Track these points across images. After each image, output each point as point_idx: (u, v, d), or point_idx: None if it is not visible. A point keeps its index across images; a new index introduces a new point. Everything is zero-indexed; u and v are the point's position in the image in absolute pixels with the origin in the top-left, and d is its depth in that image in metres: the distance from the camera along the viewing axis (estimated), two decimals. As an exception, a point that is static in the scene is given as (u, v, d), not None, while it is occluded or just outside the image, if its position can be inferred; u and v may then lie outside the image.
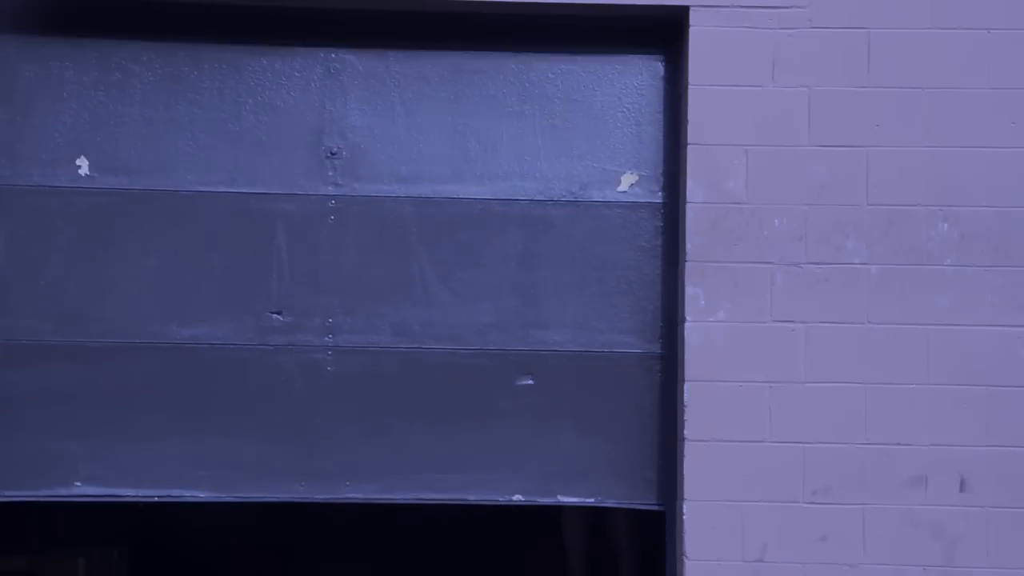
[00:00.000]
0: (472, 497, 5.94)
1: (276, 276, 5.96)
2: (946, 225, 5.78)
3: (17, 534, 7.85)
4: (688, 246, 5.77)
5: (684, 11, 5.84)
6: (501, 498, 5.94)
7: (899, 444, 5.72)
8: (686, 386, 5.73)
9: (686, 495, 5.69)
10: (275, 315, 5.91)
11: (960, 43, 5.82)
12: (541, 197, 6.00)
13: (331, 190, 5.98)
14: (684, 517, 5.70)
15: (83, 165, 5.94)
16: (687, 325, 5.74)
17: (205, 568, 9.01)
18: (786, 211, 5.78)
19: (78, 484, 5.88)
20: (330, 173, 5.99)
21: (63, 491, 5.90)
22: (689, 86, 5.81)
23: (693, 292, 5.76)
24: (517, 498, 5.95)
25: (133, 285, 5.94)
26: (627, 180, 6.00)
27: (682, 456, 5.73)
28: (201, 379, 5.92)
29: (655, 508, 5.97)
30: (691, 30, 5.82)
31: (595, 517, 6.81)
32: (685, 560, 5.69)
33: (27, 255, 5.94)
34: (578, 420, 5.96)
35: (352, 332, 5.96)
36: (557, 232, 6.00)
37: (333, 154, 5.97)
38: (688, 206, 5.78)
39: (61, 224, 5.94)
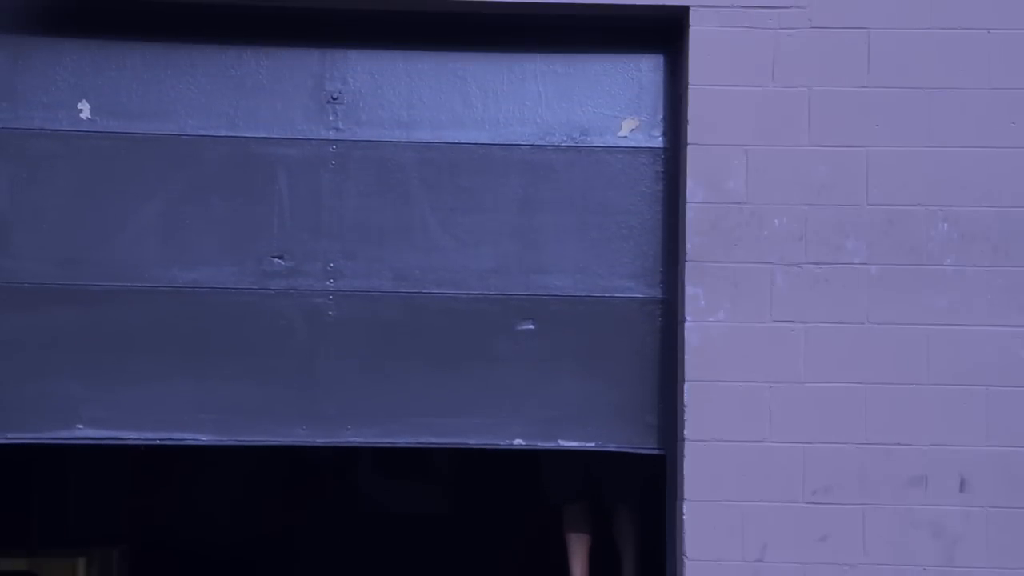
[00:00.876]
0: (472, 441, 5.93)
1: (277, 220, 5.96)
2: (946, 225, 5.78)
3: (17, 534, 7.85)
4: (688, 246, 5.76)
5: (684, 11, 5.84)
6: (502, 442, 5.94)
7: (899, 444, 5.72)
8: (686, 386, 5.72)
9: (686, 495, 5.69)
10: (276, 259, 5.92)
11: (960, 43, 5.82)
12: (542, 142, 6.01)
13: (332, 135, 5.98)
14: (684, 517, 5.69)
15: (84, 109, 5.95)
16: (687, 325, 5.74)
17: (205, 568, 9.00)
18: (786, 211, 5.78)
19: (80, 427, 5.87)
20: (331, 118, 5.98)
21: (65, 433, 5.89)
22: (689, 86, 5.81)
23: (693, 292, 5.75)
24: (518, 442, 5.94)
25: (134, 229, 5.94)
26: (628, 125, 5.99)
27: (682, 456, 5.72)
28: (202, 323, 5.91)
29: (655, 452, 5.96)
30: (691, 30, 5.82)
31: (596, 515, 6.81)
32: (685, 560, 5.69)
33: (29, 198, 5.93)
34: (579, 365, 5.95)
35: (353, 277, 5.95)
36: (558, 177, 6.00)
37: (334, 99, 5.96)
38: (688, 206, 5.78)
39: (63, 167, 5.94)
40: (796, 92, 5.81)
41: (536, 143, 5.99)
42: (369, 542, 9.74)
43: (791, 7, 5.83)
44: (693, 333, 5.74)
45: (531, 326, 5.95)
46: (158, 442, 5.89)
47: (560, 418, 5.95)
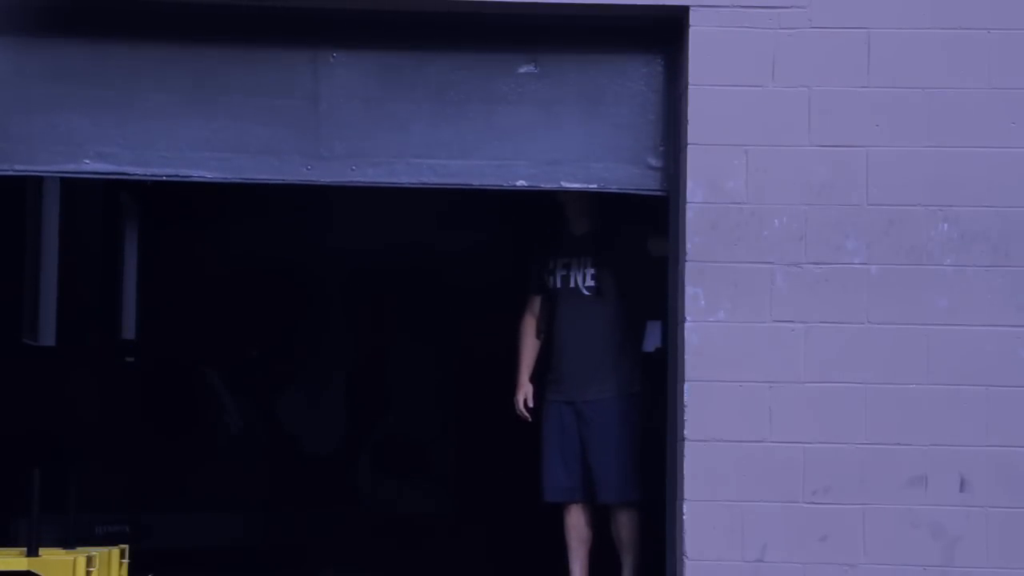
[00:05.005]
0: (476, 182, 5.97)
1: None
2: (946, 225, 5.78)
3: (16, 533, 7.85)
4: (688, 246, 5.76)
5: (684, 11, 5.84)
6: (505, 183, 5.97)
7: (899, 444, 5.72)
8: (686, 386, 5.72)
9: (686, 495, 5.69)
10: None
11: (960, 43, 5.82)
12: None
13: None
14: (684, 517, 5.70)
15: None
16: (687, 325, 5.74)
17: (205, 569, 9.00)
18: (786, 211, 5.78)
19: (87, 161, 5.93)
20: None
21: (72, 167, 5.95)
22: (689, 86, 5.81)
23: (693, 292, 5.75)
24: (520, 183, 5.98)
25: None
26: None
27: (682, 456, 5.73)
28: (208, 61, 5.93)
29: (657, 193, 5.98)
30: (691, 30, 5.82)
31: (596, 515, 6.81)
32: (685, 560, 5.69)
33: None
34: (582, 107, 5.97)
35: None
36: None
37: None
38: (688, 206, 5.78)
39: None
40: (796, 92, 5.81)
41: None
42: (369, 542, 9.74)
43: (791, 7, 5.83)
44: (693, 333, 5.74)
45: (533, 68, 5.93)
46: (164, 178, 5.94)
47: (563, 160, 5.97)
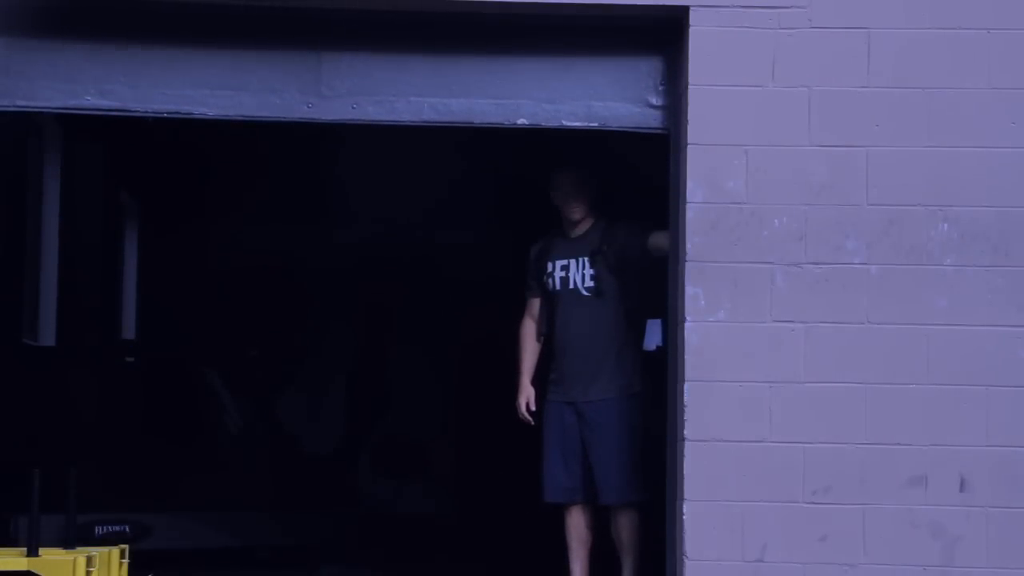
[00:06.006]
0: (477, 120, 6.00)
1: None
2: (946, 225, 5.78)
3: (16, 533, 7.85)
4: (688, 246, 5.76)
5: (684, 11, 5.84)
6: (506, 122, 6.00)
7: (899, 444, 5.72)
8: (686, 386, 5.72)
9: (686, 495, 5.69)
10: None
11: (960, 43, 5.82)
12: None
13: None
14: (684, 517, 5.70)
15: None
16: (687, 325, 5.74)
17: (205, 569, 9.01)
18: (786, 211, 5.78)
19: (89, 98, 5.95)
20: None
21: (74, 103, 5.97)
22: (689, 86, 5.81)
23: (693, 292, 5.75)
24: (521, 122, 6.00)
25: None
26: None
27: (682, 456, 5.73)
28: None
29: (658, 131, 6.00)
30: (691, 30, 5.82)
31: (596, 515, 6.82)
32: (685, 560, 5.69)
33: None
34: (583, 48, 5.99)
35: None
36: None
37: None
38: (688, 206, 5.78)
39: None
40: (796, 92, 5.81)
41: None
42: (369, 542, 9.74)
43: (791, 7, 5.83)
44: (693, 333, 5.74)
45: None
46: (165, 115, 5.96)
47: (563, 99, 6.00)
